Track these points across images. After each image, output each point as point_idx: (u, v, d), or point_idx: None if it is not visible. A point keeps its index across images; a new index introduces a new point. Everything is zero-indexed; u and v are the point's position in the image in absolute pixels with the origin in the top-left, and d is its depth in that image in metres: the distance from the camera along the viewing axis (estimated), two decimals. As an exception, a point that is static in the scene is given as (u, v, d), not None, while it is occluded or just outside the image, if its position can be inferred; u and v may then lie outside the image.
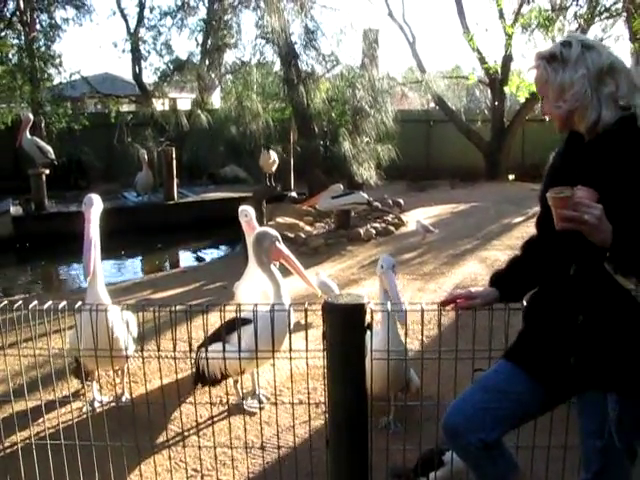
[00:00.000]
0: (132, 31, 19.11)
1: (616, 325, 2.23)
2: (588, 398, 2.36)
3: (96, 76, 22.26)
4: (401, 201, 13.70)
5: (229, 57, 16.97)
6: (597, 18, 17.21)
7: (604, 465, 2.36)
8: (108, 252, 12.35)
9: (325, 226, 11.37)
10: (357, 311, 2.63)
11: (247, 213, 5.89)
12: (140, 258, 13.00)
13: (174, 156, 14.54)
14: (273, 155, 10.53)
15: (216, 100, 21.49)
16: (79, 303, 3.07)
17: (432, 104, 21.01)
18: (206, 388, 4.65)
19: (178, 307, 2.88)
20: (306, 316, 2.98)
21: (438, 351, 2.81)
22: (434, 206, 13.93)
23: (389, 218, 11.74)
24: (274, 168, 10.49)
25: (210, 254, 12.75)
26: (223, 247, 12.85)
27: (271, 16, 10.64)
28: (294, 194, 13.85)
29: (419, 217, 11.51)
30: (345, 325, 2.66)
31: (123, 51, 19.00)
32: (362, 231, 10.64)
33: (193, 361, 4.70)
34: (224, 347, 3.61)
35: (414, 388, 4.43)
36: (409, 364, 4.42)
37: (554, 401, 2.51)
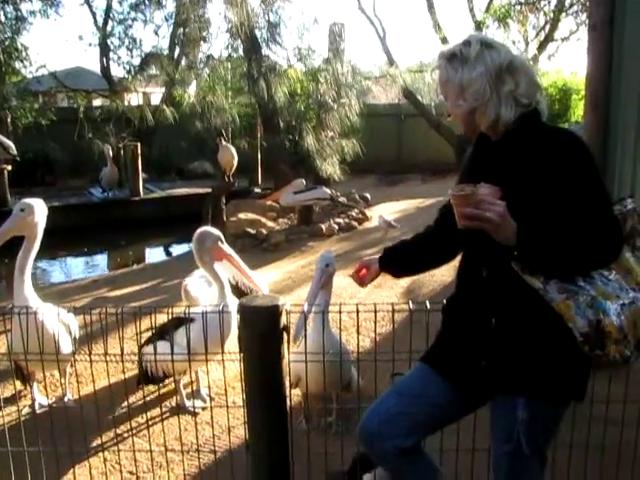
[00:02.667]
0: (100, 24, 18.89)
1: (526, 327, 2.20)
2: (498, 402, 2.32)
3: (68, 70, 21.95)
4: (368, 196, 13.65)
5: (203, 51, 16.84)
6: (564, 13, 17.31)
7: (512, 470, 2.32)
8: (70, 249, 12.44)
9: (288, 222, 11.29)
10: (272, 313, 2.57)
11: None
12: (102, 255, 12.88)
13: (139, 151, 14.39)
14: (231, 150, 10.37)
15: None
16: (9, 306, 3.00)
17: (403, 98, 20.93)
18: (152, 388, 4.60)
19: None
20: (221, 318, 2.89)
21: (357, 353, 2.77)
22: (401, 201, 13.91)
23: (353, 213, 11.68)
24: (234, 162, 10.33)
25: (174, 251, 12.64)
26: (187, 244, 12.70)
27: (233, 9, 10.51)
28: (258, 190, 13.76)
29: (383, 212, 11.47)
30: (260, 327, 2.60)
31: (90, 45, 18.77)
32: (324, 227, 10.58)
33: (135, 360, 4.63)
34: (172, 347, 3.55)
35: (355, 387, 4.38)
36: (351, 364, 4.36)
37: (472, 404, 2.48)
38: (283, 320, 2.60)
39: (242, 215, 10.78)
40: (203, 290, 5.38)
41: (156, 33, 18.79)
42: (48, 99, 20.36)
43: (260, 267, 8.75)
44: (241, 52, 11.76)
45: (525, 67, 2.25)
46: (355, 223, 11.16)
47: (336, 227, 10.73)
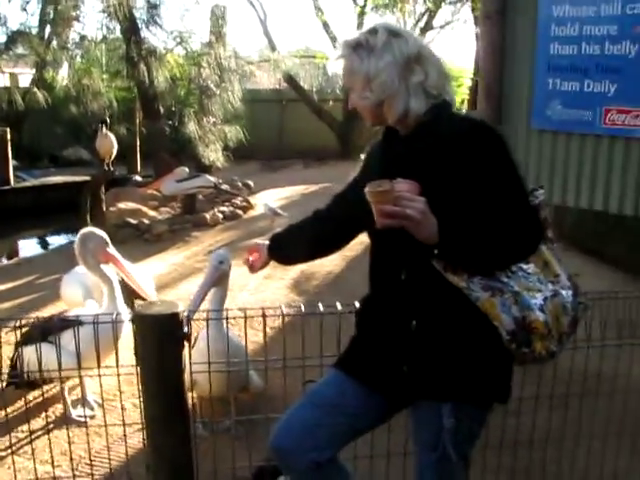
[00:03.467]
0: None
1: (449, 328, 2.11)
2: (421, 408, 2.22)
3: None
4: (251, 183, 13.44)
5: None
6: (444, 3, 17.68)
7: (439, 477, 2.24)
8: None
9: (171, 211, 10.93)
10: (171, 321, 2.39)
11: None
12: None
13: (9, 137, 13.58)
14: (111, 137, 9.89)
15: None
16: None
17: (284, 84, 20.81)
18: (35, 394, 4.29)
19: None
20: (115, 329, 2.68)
21: (265, 360, 2.64)
22: (285, 187, 13.79)
23: (237, 201, 11.44)
24: (114, 151, 9.87)
25: (51, 243, 12.01)
26: (64, 235, 12.09)
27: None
28: (138, 177, 13.27)
29: (268, 199, 11.32)
30: (157, 338, 2.40)
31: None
32: (208, 216, 10.31)
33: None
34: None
35: (254, 389, 4.24)
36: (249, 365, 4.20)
37: (392, 410, 2.36)
38: (183, 328, 2.41)
39: (122, 205, 10.35)
40: (82, 289, 5.05)
41: (24, 9, 17.73)
42: None
43: (143, 259, 8.42)
44: (118, 33, 11.23)
45: (433, 57, 2.17)
46: (240, 211, 10.94)
47: (221, 216, 10.48)
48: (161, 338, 2.39)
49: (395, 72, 2.09)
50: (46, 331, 4.04)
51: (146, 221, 9.79)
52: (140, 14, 10.59)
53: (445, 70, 2.22)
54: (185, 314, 2.42)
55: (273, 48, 18.17)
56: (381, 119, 2.22)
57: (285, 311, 2.52)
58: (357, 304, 2.47)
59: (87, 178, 11.11)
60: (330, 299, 2.66)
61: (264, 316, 2.50)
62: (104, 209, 9.14)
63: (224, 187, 11.95)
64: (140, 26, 10.61)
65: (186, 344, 2.42)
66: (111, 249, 4.43)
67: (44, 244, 12.03)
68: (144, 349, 2.42)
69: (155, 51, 10.43)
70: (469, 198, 2.00)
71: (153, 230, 9.53)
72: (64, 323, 4.10)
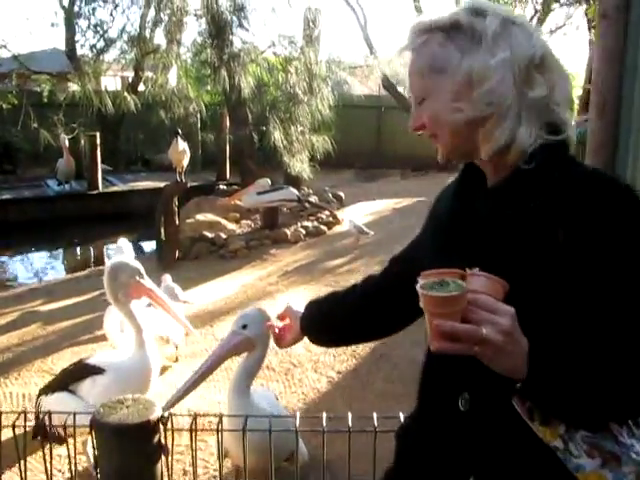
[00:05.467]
0: (65, 4, 17.76)
1: None
2: None
3: (44, 52, 20.84)
4: (342, 194, 12.72)
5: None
6: (556, 4, 16.46)
7: None
8: (19, 247, 11.49)
9: (252, 224, 10.34)
10: (142, 432, 1.74)
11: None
12: (51, 255, 11.89)
13: (98, 141, 13.42)
14: (182, 145, 9.29)
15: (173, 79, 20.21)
16: None
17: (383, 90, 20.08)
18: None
19: None
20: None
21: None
22: (376, 200, 13.04)
23: (323, 216, 10.73)
24: (185, 161, 9.29)
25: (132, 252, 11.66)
26: (144, 243, 11.72)
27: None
28: (223, 186, 12.78)
29: (356, 215, 10.61)
30: (120, 452, 1.75)
31: (52, 25, 17.68)
32: (289, 232, 9.67)
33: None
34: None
35: (302, 460, 3.53)
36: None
37: None
38: (159, 437, 1.75)
39: (200, 216, 9.83)
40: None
41: (126, 16, 17.71)
42: (18, 82, 19.18)
43: (214, 278, 7.91)
44: (203, 37, 10.75)
45: (560, 65, 1.37)
46: (324, 227, 10.25)
47: (303, 232, 9.82)
48: (126, 452, 1.73)
49: (511, 77, 1.31)
50: (66, 379, 3.67)
51: (223, 235, 9.23)
52: (227, 16, 9.99)
53: (571, 88, 1.42)
54: (162, 412, 1.74)
55: (373, 54, 17.44)
56: (466, 151, 1.42)
57: (299, 427, 1.79)
58: (401, 417, 1.72)
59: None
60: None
61: (270, 431, 1.77)
62: (177, 222, 8.62)
63: (312, 199, 11.30)
64: (225, 29, 10.05)
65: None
66: (146, 281, 3.81)
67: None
68: (105, 464, 1.78)
69: (239, 55, 9.84)
70: (583, 309, 1.24)
71: (229, 245, 8.98)
72: (84, 371, 3.62)
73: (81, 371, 3.61)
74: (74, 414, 1.88)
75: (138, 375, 3.53)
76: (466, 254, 1.34)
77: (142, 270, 3.78)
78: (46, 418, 3.64)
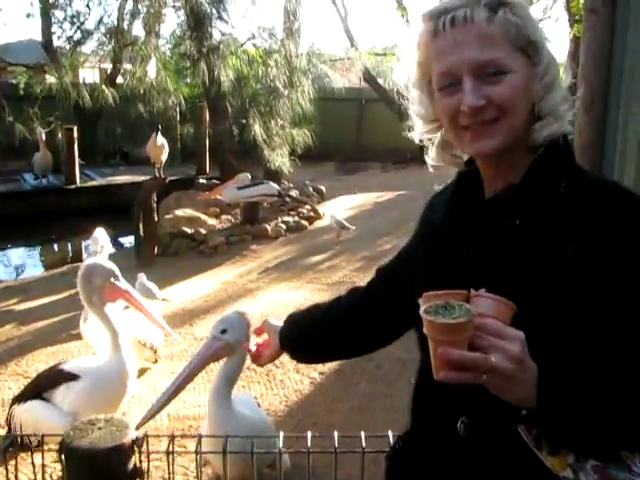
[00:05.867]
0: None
1: None
2: None
3: (20, 43, 20.53)
4: (323, 188, 12.62)
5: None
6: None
7: None
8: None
9: (232, 219, 10.20)
10: (114, 457, 1.64)
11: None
12: (27, 251, 11.69)
13: (75, 135, 13.18)
14: (161, 140, 9.10)
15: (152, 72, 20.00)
16: None
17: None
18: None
19: None
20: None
21: None
22: (358, 194, 12.95)
23: (304, 210, 10.63)
24: (164, 156, 9.10)
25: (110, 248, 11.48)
26: (124, 238, 11.54)
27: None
28: (202, 180, 12.61)
29: (337, 209, 10.53)
30: (95, 478, 1.65)
31: (28, 15, 17.36)
32: (270, 227, 9.56)
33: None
34: None
35: (284, 467, 3.44)
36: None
37: None
38: (133, 461, 1.65)
39: (180, 212, 9.68)
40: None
41: (103, 7, 17.48)
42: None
43: (194, 275, 7.79)
44: (182, 29, 10.62)
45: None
46: (305, 222, 10.15)
47: (283, 227, 9.71)
48: (98, 478, 1.64)
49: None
50: (40, 387, 3.55)
51: (203, 231, 9.10)
52: (206, 8, 9.84)
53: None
54: (136, 430, 1.64)
55: (354, 46, 17.32)
56: (515, 143, 1.28)
57: (282, 449, 1.69)
58: (390, 437, 1.63)
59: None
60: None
61: (252, 453, 1.68)
62: (155, 218, 8.48)
63: (292, 193, 11.18)
64: (204, 21, 9.90)
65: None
66: (122, 283, 3.69)
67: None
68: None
69: (218, 48, 9.69)
70: (595, 330, 1.16)
71: (209, 241, 8.85)
72: (58, 378, 3.50)
73: (55, 377, 3.49)
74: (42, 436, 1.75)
75: (114, 380, 3.41)
76: (466, 270, 1.26)
77: (117, 271, 3.66)
78: (17, 429, 3.59)
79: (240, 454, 1.97)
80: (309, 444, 1.70)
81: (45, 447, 1.79)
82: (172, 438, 1.72)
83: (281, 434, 1.77)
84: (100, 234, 6.27)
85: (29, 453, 2.24)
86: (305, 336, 1.81)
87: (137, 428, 2.92)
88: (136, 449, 1.66)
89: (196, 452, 1.69)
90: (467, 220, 1.35)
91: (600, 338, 1.15)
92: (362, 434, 1.69)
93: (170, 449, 1.68)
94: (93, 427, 1.70)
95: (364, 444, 1.67)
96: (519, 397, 1.10)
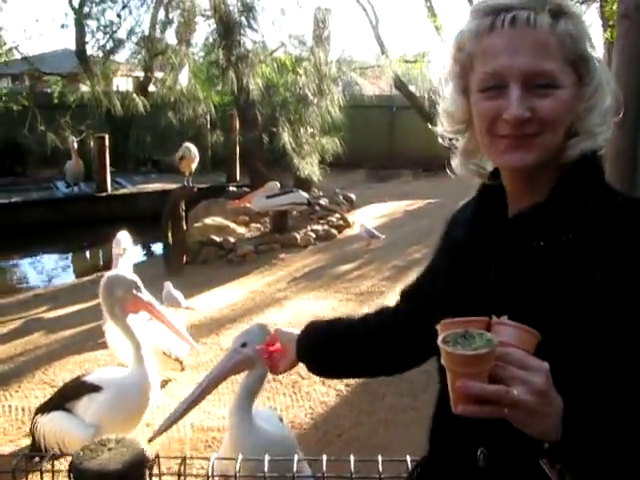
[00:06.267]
0: (75, 5, 17.67)
1: None
2: None
3: (55, 53, 20.79)
4: (352, 196, 12.55)
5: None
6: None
7: None
8: (25, 250, 11.38)
9: (261, 228, 10.18)
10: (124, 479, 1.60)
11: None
12: (58, 259, 11.78)
13: (107, 143, 13.31)
14: (188, 149, 9.00)
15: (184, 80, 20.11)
16: None
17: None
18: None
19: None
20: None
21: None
22: (388, 202, 12.85)
23: (333, 219, 10.57)
24: (194, 165, 9.05)
25: (139, 256, 11.53)
26: (154, 246, 11.57)
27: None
28: (233, 188, 12.60)
29: (367, 218, 10.45)
30: None
31: (62, 26, 17.55)
32: (299, 236, 9.51)
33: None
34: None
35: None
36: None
37: None
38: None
39: (209, 220, 9.68)
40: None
41: (130, 14, 17.60)
42: (31, 83, 19.11)
43: (222, 283, 7.78)
44: (213, 37, 10.62)
45: None
46: (335, 231, 10.09)
47: (313, 236, 9.66)
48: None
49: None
50: (63, 398, 3.56)
51: (231, 239, 9.08)
52: (235, 17, 9.85)
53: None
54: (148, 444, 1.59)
55: (384, 54, 17.26)
56: (549, 160, 1.21)
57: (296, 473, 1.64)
58: (409, 462, 1.56)
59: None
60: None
61: (265, 477, 1.62)
62: (184, 227, 8.48)
63: (322, 201, 11.14)
64: (234, 30, 9.91)
65: None
66: (144, 294, 3.67)
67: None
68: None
69: (247, 57, 9.69)
70: (622, 361, 1.09)
71: (238, 250, 8.83)
72: (81, 389, 3.49)
73: (78, 389, 3.48)
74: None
75: (136, 392, 3.39)
76: (487, 294, 1.19)
77: (139, 283, 3.64)
78: (41, 440, 3.59)
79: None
80: (324, 468, 1.63)
81: (54, 467, 1.74)
82: (183, 460, 1.67)
83: (295, 457, 1.71)
84: (123, 236, 6.25)
85: (39, 473, 2.21)
86: (328, 348, 1.74)
87: (151, 440, 2.89)
88: (147, 471, 1.61)
89: (208, 476, 1.64)
90: (489, 240, 1.28)
91: (628, 370, 1.07)
92: (379, 458, 1.62)
93: (181, 471, 1.63)
94: (103, 448, 1.66)
95: (381, 468, 1.60)
96: (542, 430, 1.03)
